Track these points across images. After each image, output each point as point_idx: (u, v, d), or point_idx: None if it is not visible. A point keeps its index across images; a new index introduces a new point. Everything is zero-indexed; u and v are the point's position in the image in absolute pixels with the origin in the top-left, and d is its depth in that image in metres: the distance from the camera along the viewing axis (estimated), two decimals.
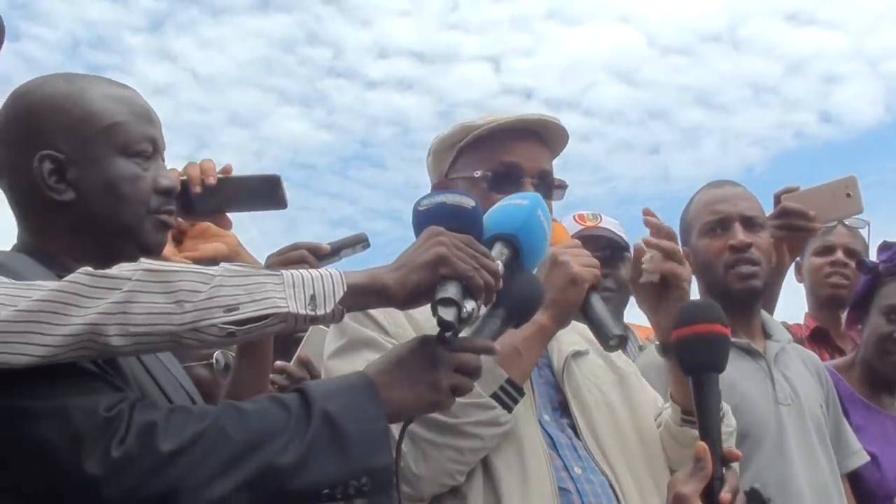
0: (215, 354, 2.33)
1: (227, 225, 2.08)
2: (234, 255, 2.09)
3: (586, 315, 1.81)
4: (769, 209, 2.78)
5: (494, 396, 1.69)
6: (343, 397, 1.38)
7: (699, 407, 1.59)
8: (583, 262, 1.82)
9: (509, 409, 1.71)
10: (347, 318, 1.76)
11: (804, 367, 2.67)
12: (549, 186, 1.99)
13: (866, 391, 2.97)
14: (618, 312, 3.03)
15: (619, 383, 1.97)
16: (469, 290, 1.42)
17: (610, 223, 3.19)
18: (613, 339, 1.77)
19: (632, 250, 2.00)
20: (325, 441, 1.33)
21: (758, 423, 2.43)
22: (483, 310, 1.54)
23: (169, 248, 1.97)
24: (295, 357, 2.34)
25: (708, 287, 2.64)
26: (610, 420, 1.88)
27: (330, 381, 1.49)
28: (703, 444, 1.52)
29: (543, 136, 2.02)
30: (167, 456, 1.25)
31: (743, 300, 2.59)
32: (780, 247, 2.77)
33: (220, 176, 2.01)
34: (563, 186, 2.04)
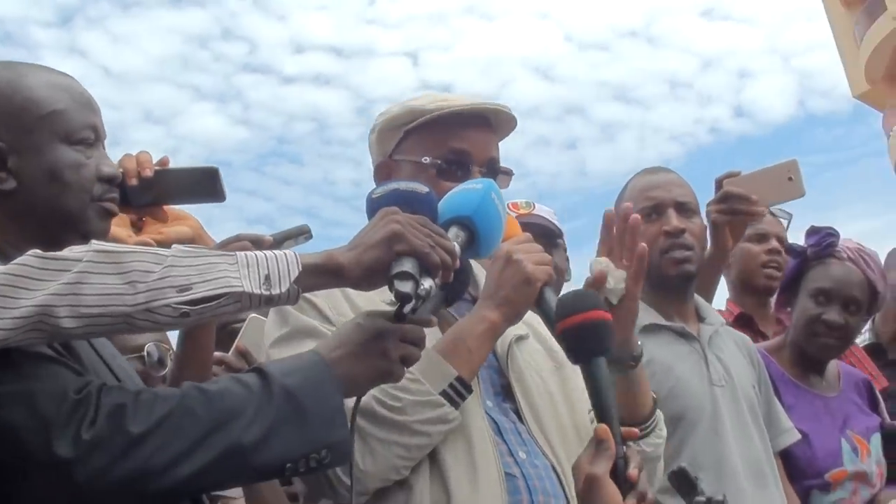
0: (147, 347, 2.31)
1: (163, 218, 2.05)
2: (198, 238, 2.07)
3: (542, 312, 1.80)
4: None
5: (443, 394, 1.69)
6: (300, 374, 1.41)
7: (593, 392, 1.59)
8: (536, 260, 1.80)
9: (457, 406, 1.70)
10: (289, 306, 1.75)
11: (736, 349, 2.72)
12: (495, 174, 1.98)
13: (796, 372, 3.02)
14: None
15: (556, 371, 1.97)
16: (426, 269, 1.42)
17: (543, 211, 3.21)
18: None
19: (593, 261, 1.92)
20: (287, 417, 1.35)
21: (693, 404, 2.48)
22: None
23: (124, 232, 1.95)
24: (233, 348, 2.32)
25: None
26: (550, 407, 1.88)
27: (285, 360, 1.49)
28: (604, 426, 1.52)
29: (493, 122, 2.01)
30: (137, 437, 1.25)
31: (677, 284, 2.63)
32: (722, 231, 2.82)
33: (156, 168, 1.98)
34: (509, 174, 2.03)
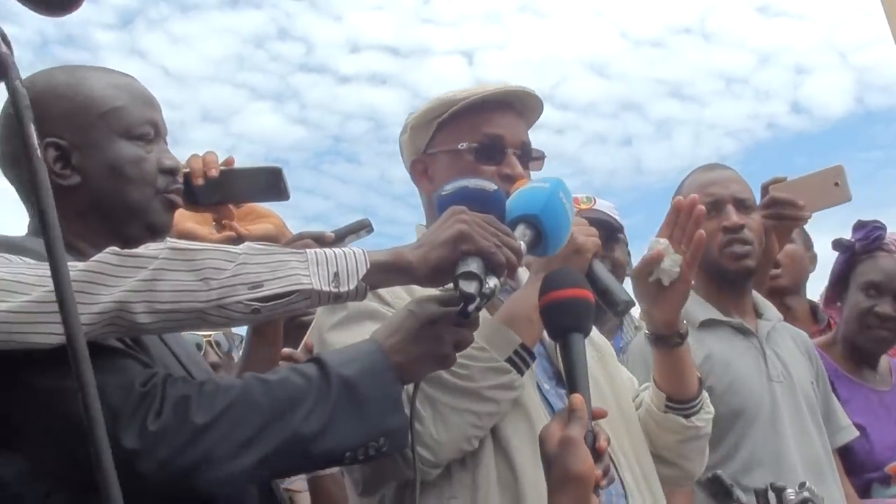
0: (213, 336, 2.36)
1: (229, 216, 2.07)
2: (281, 235, 2.09)
3: (592, 283, 1.79)
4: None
5: (509, 360, 1.71)
6: (357, 363, 1.41)
7: (568, 367, 1.59)
8: (585, 232, 1.84)
9: (521, 373, 1.73)
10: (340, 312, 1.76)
11: (794, 345, 2.70)
12: (528, 157, 2.01)
13: (849, 366, 3.01)
14: None
15: (599, 360, 1.99)
16: (491, 268, 1.43)
17: (604, 206, 3.21)
18: (621, 305, 1.79)
19: (646, 246, 1.95)
20: (345, 406, 1.37)
21: (752, 400, 2.47)
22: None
23: (205, 230, 1.99)
24: (302, 344, 2.35)
25: (702, 267, 2.66)
26: (596, 394, 1.87)
27: (342, 350, 1.50)
28: (578, 395, 1.52)
29: (519, 107, 2.04)
30: (201, 427, 1.27)
31: (736, 279, 2.62)
32: (769, 236, 2.78)
33: (222, 168, 2.01)
34: (541, 157, 2.05)
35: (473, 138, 1.97)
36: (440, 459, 1.66)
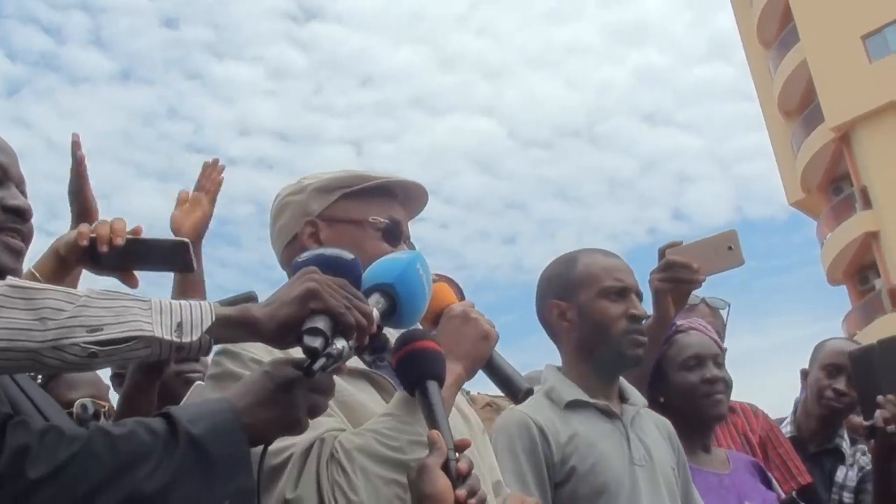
0: (82, 402, 2.29)
1: (133, 283, 2.07)
2: None
3: (493, 370, 1.85)
4: None
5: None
6: (207, 421, 1.36)
7: (428, 410, 1.65)
8: (488, 322, 1.88)
9: None
10: (226, 379, 1.74)
11: (657, 431, 2.72)
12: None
13: (686, 454, 2.94)
14: None
15: (465, 425, 2.00)
16: (341, 329, 1.42)
17: None
18: (522, 393, 1.84)
19: None
20: (191, 465, 1.31)
21: (614, 481, 2.48)
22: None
23: None
24: None
25: (594, 344, 2.66)
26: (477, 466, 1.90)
27: (193, 406, 1.45)
28: (435, 431, 1.59)
29: (408, 204, 2.11)
30: (35, 482, 1.21)
31: (623, 365, 2.67)
32: (664, 299, 2.86)
33: (129, 237, 2.02)
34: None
35: (383, 217, 2.01)
36: None
